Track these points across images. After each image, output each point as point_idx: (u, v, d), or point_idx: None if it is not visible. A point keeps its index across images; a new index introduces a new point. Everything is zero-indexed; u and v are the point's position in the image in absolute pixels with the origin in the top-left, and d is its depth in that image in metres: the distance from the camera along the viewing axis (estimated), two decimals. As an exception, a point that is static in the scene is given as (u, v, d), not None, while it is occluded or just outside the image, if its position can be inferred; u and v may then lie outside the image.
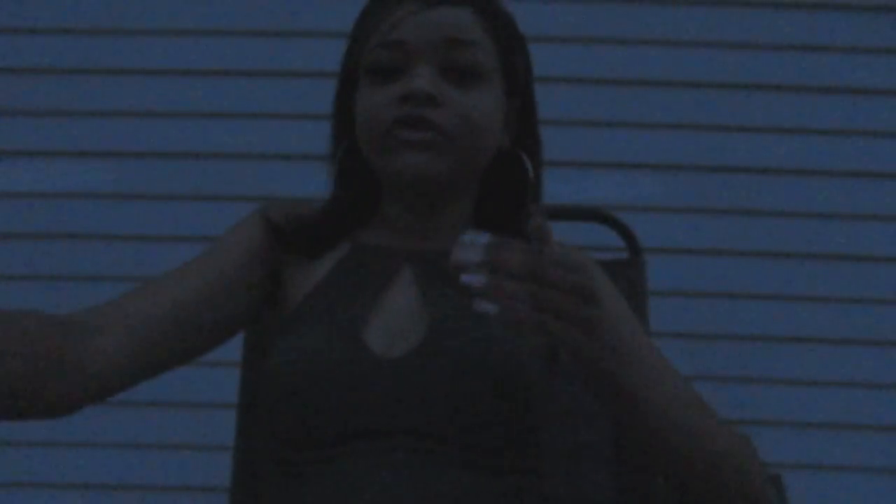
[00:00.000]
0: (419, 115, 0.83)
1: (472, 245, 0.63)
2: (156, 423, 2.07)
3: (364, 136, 0.88)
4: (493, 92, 0.88)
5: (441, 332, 0.83)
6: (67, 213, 2.12)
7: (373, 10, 0.90)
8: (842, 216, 2.12)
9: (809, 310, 2.10)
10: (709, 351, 2.10)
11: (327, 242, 0.92)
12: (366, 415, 0.80)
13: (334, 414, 0.80)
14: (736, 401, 2.09)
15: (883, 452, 2.09)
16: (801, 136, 2.13)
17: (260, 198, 2.06)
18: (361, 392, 0.81)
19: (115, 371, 0.80)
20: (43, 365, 0.73)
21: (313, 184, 0.96)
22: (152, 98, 2.13)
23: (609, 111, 2.13)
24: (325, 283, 0.89)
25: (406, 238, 0.91)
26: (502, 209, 0.94)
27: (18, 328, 0.73)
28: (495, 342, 0.83)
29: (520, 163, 0.93)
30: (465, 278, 0.63)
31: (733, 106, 2.13)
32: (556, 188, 2.09)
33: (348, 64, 0.93)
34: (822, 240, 2.12)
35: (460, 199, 0.91)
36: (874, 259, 2.11)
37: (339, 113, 0.95)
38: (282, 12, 2.12)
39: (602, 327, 0.67)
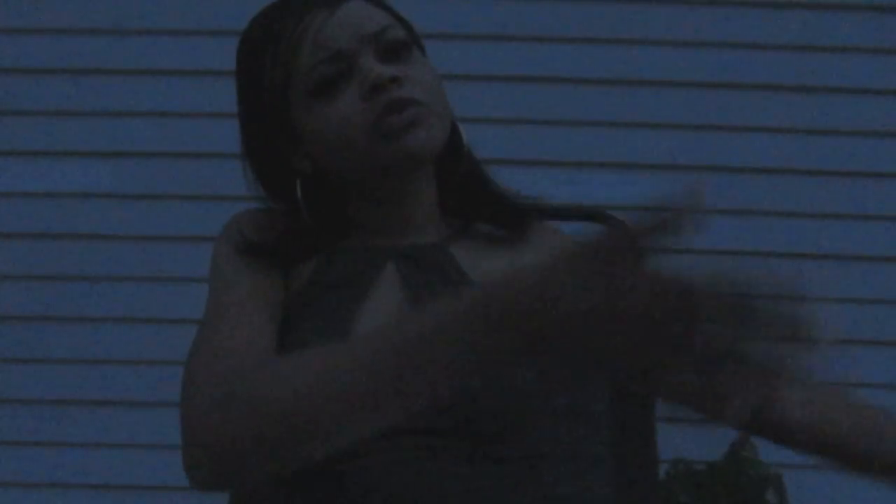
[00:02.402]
0: (397, 97, 0.82)
1: None
2: (156, 423, 2.07)
3: (340, 145, 0.85)
4: (425, 59, 0.89)
5: None
6: (67, 213, 2.12)
7: (278, 44, 0.87)
8: (842, 216, 2.12)
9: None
10: (709, 351, 2.10)
11: (304, 254, 0.89)
12: None
13: None
14: (736, 401, 2.09)
15: (883, 452, 2.08)
16: (801, 136, 2.13)
17: (260, 198, 2.06)
18: None
19: None
20: None
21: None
22: (152, 98, 2.13)
23: (609, 111, 2.13)
24: (307, 290, 0.87)
25: (383, 237, 0.90)
26: (461, 193, 0.93)
27: None
28: None
29: (457, 140, 0.92)
30: None
31: (733, 106, 2.13)
32: (556, 188, 2.09)
33: (270, 107, 0.89)
34: (822, 240, 2.11)
35: (425, 186, 0.91)
36: (874, 259, 2.11)
37: (267, 165, 0.93)
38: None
39: None
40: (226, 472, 0.69)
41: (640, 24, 2.14)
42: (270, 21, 0.89)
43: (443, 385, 0.63)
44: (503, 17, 2.15)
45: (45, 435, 2.09)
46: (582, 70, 2.14)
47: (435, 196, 0.93)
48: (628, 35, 2.14)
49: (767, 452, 2.03)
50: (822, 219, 2.12)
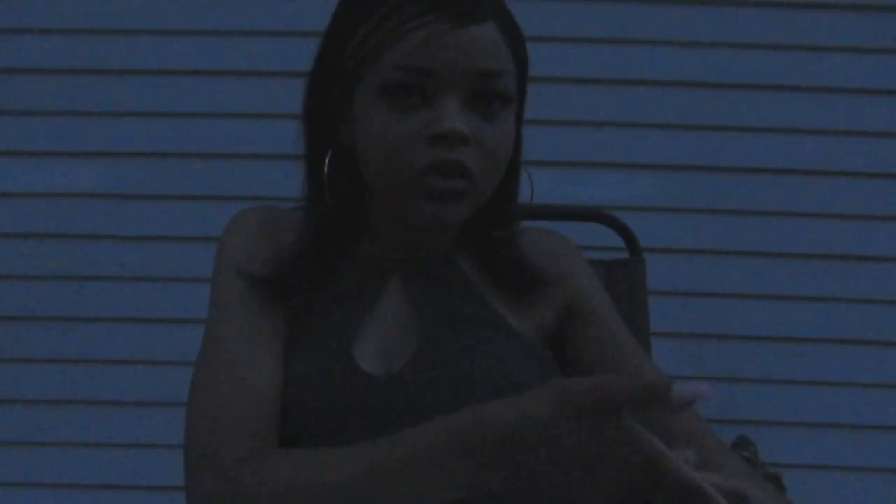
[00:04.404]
0: (455, 159, 0.77)
1: None
2: (156, 423, 2.07)
3: (380, 168, 0.80)
4: (512, 118, 0.83)
5: (432, 345, 0.82)
6: (67, 213, 2.12)
7: (387, 18, 0.79)
8: (842, 216, 2.12)
9: (809, 310, 2.10)
10: (709, 351, 2.10)
11: (316, 281, 0.86)
12: (363, 436, 0.79)
13: (332, 438, 0.79)
14: (736, 401, 2.09)
15: (883, 452, 2.08)
16: (801, 136, 2.13)
17: (260, 198, 2.05)
18: (357, 414, 0.79)
19: None
20: None
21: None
22: (152, 98, 2.13)
23: (609, 111, 2.13)
24: (313, 301, 0.85)
25: (394, 245, 0.88)
26: (489, 216, 0.90)
27: None
28: (486, 348, 0.82)
29: (509, 170, 0.89)
30: None
31: (733, 106, 2.13)
32: (556, 188, 2.09)
33: (341, 60, 0.83)
34: (822, 240, 2.11)
35: None
36: (874, 259, 2.11)
37: (318, 106, 0.87)
38: (281, 12, 2.12)
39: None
40: None
41: (640, 24, 2.14)
42: None
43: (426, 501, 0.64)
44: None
45: (45, 435, 2.09)
46: (582, 70, 2.14)
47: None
48: (628, 35, 2.14)
49: (767, 453, 2.04)
50: (822, 219, 2.12)
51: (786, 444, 2.07)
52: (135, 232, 2.11)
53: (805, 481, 2.06)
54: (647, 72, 2.14)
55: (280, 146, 2.08)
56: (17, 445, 2.09)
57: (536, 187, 0.92)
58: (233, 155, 2.12)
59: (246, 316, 0.82)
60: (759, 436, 2.04)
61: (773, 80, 2.14)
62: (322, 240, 0.86)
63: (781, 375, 2.10)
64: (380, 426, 0.79)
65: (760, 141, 2.13)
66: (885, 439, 2.09)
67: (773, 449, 2.06)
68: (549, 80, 2.13)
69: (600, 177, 2.13)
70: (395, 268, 0.88)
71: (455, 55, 0.77)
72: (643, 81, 2.14)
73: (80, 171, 2.13)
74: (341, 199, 0.87)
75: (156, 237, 2.11)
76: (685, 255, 2.11)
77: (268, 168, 2.10)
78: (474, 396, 0.79)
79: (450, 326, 0.84)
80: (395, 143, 0.78)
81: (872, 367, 2.09)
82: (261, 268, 0.85)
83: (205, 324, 0.85)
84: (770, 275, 2.11)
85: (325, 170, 0.86)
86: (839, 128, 2.13)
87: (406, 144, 0.78)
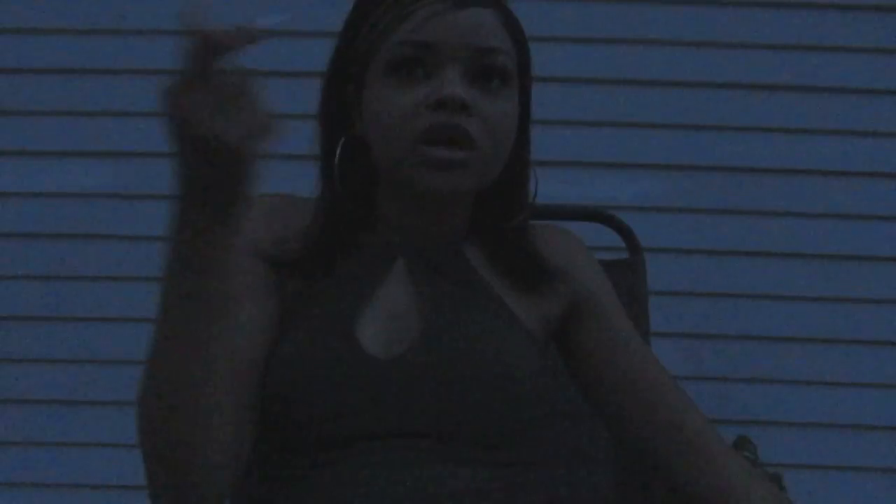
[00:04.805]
0: (455, 123, 0.80)
1: None
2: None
3: (383, 141, 0.84)
4: (514, 98, 0.86)
5: (435, 329, 0.83)
6: (67, 213, 2.12)
7: (393, 4, 0.84)
8: (841, 216, 2.12)
9: (809, 310, 2.10)
10: (709, 351, 2.10)
11: (327, 262, 0.88)
12: (364, 418, 0.79)
13: (332, 418, 0.80)
14: (736, 401, 2.09)
15: (883, 452, 2.08)
16: (802, 136, 2.13)
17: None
18: (358, 395, 0.80)
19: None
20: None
21: (312, 184, 0.95)
22: (152, 98, 2.13)
23: (609, 111, 2.13)
24: (315, 284, 0.86)
25: (401, 232, 0.89)
26: (499, 208, 0.92)
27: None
28: (489, 337, 0.83)
29: (518, 163, 0.91)
30: None
31: (733, 106, 2.13)
32: (556, 188, 2.09)
33: (352, 53, 0.87)
34: (822, 240, 2.11)
35: (454, 205, 0.90)
36: (874, 259, 2.11)
37: (332, 104, 0.90)
38: (281, 12, 2.12)
39: None
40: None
41: (640, 24, 2.14)
42: None
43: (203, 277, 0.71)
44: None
45: (45, 435, 2.09)
46: (582, 70, 2.14)
47: (470, 207, 0.91)
48: (628, 35, 2.14)
49: (767, 453, 2.04)
50: (822, 219, 2.12)
51: (786, 444, 2.07)
52: (135, 232, 2.11)
53: (805, 481, 2.06)
54: (647, 72, 2.14)
55: (280, 146, 2.08)
56: (16, 445, 2.09)
57: (537, 187, 0.93)
58: (233, 155, 2.11)
59: (245, 293, 0.85)
60: (759, 436, 2.04)
61: (773, 80, 2.14)
62: (330, 227, 0.88)
63: (781, 375, 2.09)
64: (380, 407, 0.80)
65: (760, 141, 2.13)
66: (885, 439, 2.09)
67: (773, 449, 2.06)
68: (550, 80, 2.12)
69: (600, 177, 2.13)
70: (400, 255, 0.88)
71: (455, 29, 0.81)
72: (643, 81, 2.14)
73: (80, 171, 2.13)
74: (352, 189, 0.89)
75: (156, 237, 2.11)
76: (685, 255, 2.11)
77: (267, 168, 2.09)
78: (475, 380, 0.80)
79: (452, 311, 0.84)
80: (398, 113, 0.81)
81: (872, 367, 2.09)
82: (266, 247, 0.87)
83: None
84: (770, 275, 2.11)
85: (337, 158, 0.88)
86: (839, 128, 2.13)
87: (408, 114, 0.81)
